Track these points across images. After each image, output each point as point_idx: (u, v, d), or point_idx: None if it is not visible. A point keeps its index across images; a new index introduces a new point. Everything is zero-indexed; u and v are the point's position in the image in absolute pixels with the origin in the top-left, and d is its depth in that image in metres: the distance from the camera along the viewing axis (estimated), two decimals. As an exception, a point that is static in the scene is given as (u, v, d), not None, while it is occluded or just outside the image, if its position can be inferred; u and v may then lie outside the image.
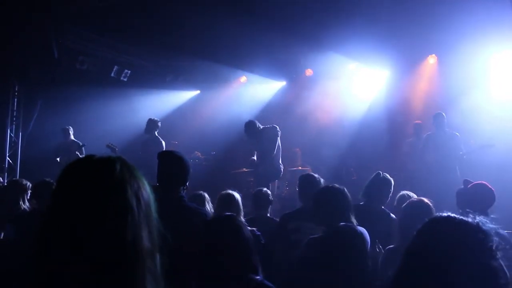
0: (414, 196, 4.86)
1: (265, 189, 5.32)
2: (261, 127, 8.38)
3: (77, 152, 9.13)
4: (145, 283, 1.10)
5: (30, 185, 5.31)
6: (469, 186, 4.10)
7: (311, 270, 3.44)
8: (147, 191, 1.19)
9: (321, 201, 3.66)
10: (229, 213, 2.96)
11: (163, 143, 9.02)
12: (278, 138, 8.24)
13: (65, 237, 1.06)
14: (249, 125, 8.38)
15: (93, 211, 1.08)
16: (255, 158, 8.36)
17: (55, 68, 8.93)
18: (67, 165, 1.18)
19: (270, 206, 5.27)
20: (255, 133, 8.32)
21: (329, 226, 3.45)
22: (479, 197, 3.91)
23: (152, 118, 9.22)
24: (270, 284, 2.65)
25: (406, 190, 5.05)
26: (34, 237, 1.09)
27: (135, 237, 1.09)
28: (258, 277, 2.64)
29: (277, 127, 8.26)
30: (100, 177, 1.12)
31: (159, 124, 9.20)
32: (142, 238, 1.11)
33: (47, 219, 1.11)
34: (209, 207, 4.68)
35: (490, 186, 4.00)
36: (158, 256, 1.16)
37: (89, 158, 1.18)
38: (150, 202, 1.19)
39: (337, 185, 3.73)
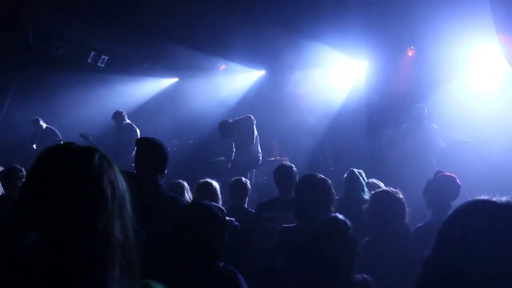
0: (381, 184, 4.94)
1: (243, 178, 5.31)
2: (233, 120, 8.35)
3: (57, 139, 9.09)
4: (114, 273, 1.09)
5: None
6: (438, 175, 4.17)
7: (289, 259, 3.45)
8: (123, 185, 1.18)
9: (298, 191, 3.67)
10: (208, 201, 2.94)
11: (138, 130, 9.00)
12: (255, 127, 8.23)
13: (35, 221, 1.06)
14: (223, 126, 8.28)
15: (66, 196, 1.06)
16: (234, 150, 8.37)
17: (30, 53, 8.73)
18: (45, 150, 1.16)
19: (248, 195, 5.26)
20: (229, 132, 8.27)
21: (306, 218, 3.46)
22: (444, 188, 3.98)
23: (115, 111, 9.28)
24: (233, 269, 2.68)
25: (387, 182, 5.10)
26: (3, 221, 1.08)
27: (106, 226, 1.09)
28: (220, 263, 2.68)
29: (251, 116, 8.24)
30: (78, 164, 1.11)
31: (124, 113, 9.25)
32: (114, 228, 1.10)
33: (18, 203, 1.10)
34: (188, 196, 4.66)
35: (457, 180, 4.06)
36: (133, 250, 1.15)
37: (69, 145, 1.17)
38: (126, 196, 1.18)
39: (317, 175, 3.74)
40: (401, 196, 3.58)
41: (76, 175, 1.09)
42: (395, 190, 3.64)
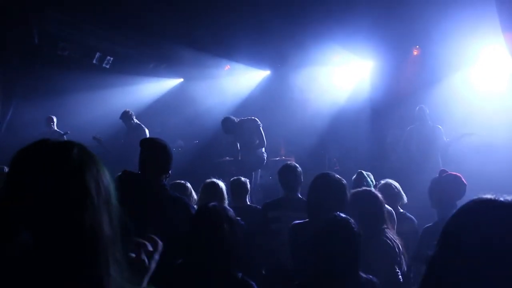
0: (397, 185, 4.94)
1: (243, 178, 5.29)
2: (238, 120, 8.34)
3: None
4: (108, 270, 1.07)
5: None
6: (443, 175, 4.15)
7: (298, 256, 3.43)
8: (107, 177, 1.15)
9: (314, 188, 3.65)
10: (217, 203, 2.91)
11: (147, 130, 9.01)
12: (261, 129, 8.22)
13: (19, 223, 1.03)
14: (226, 122, 8.31)
15: (49, 195, 1.03)
16: (239, 152, 8.37)
17: (35, 54, 8.75)
18: (21, 149, 1.12)
19: (248, 195, 5.25)
20: (233, 129, 8.27)
21: (319, 216, 3.45)
22: (450, 187, 3.96)
23: (123, 111, 9.29)
24: (251, 282, 2.63)
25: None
26: None
27: (94, 223, 1.06)
28: (239, 274, 2.62)
29: (257, 119, 8.21)
30: (56, 160, 1.08)
31: (131, 113, 9.25)
32: (102, 224, 1.08)
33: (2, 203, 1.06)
34: (193, 196, 4.66)
35: (463, 179, 4.04)
36: (120, 244, 1.12)
37: (44, 141, 1.13)
38: (110, 189, 1.15)
39: (334, 174, 3.70)
40: (379, 195, 3.56)
41: (55, 172, 1.06)
42: (374, 190, 3.65)
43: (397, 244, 3.41)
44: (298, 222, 3.64)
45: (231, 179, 5.32)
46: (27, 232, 1.01)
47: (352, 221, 2.68)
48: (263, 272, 4.44)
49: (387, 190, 4.91)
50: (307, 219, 3.61)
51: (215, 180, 4.63)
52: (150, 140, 3.62)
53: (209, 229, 2.61)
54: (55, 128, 9.71)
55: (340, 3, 7.67)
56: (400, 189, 4.95)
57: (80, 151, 1.12)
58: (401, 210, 4.82)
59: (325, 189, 3.54)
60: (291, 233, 3.61)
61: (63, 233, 1.03)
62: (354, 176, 4.90)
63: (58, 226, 1.03)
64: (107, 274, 1.06)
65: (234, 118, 8.39)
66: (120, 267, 1.10)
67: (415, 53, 9.79)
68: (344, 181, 3.63)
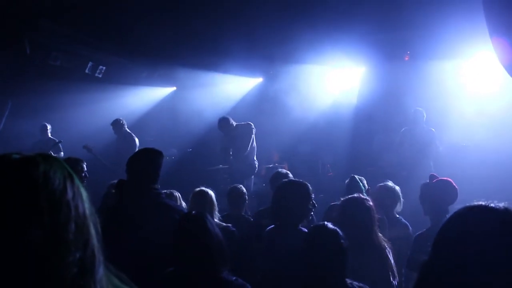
0: (397, 188, 4.92)
1: (240, 186, 5.30)
2: (235, 124, 8.40)
3: (51, 151, 9.02)
4: (96, 277, 1.05)
5: None
6: (434, 181, 4.14)
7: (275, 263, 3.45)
8: (76, 178, 1.10)
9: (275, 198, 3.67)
10: (197, 212, 2.95)
11: (137, 140, 9.03)
12: (253, 135, 8.26)
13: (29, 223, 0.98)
14: (222, 121, 8.41)
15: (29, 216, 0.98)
16: (231, 154, 8.37)
17: (27, 64, 8.73)
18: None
19: (246, 202, 5.26)
20: (228, 129, 8.33)
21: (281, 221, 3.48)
22: (441, 193, 3.95)
23: (115, 119, 9.36)
24: (244, 283, 2.65)
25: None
26: None
27: (84, 230, 1.04)
28: (233, 277, 2.65)
29: (252, 124, 8.29)
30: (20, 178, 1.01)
31: (123, 121, 9.33)
32: (91, 229, 1.07)
33: None
34: (182, 205, 4.66)
35: (454, 184, 4.03)
36: (98, 251, 1.09)
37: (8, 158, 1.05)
38: (83, 195, 1.09)
39: (298, 181, 3.72)
40: (370, 203, 3.50)
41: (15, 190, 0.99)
42: (365, 197, 3.60)
43: (390, 252, 3.39)
44: (268, 228, 3.66)
45: (229, 187, 5.32)
46: (36, 231, 0.98)
47: (340, 232, 2.67)
48: (258, 278, 4.44)
49: (385, 193, 4.87)
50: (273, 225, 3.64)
51: (204, 188, 4.63)
52: (149, 150, 3.66)
53: (190, 238, 2.68)
54: (50, 136, 9.73)
55: (333, 10, 7.70)
56: (400, 192, 4.90)
57: (46, 164, 1.05)
58: (397, 216, 4.80)
59: (284, 194, 3.57)
60: (264, 239, 3.63)
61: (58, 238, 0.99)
62: (347, 181, 4.90)
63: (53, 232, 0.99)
64: (94, 282, 1.04)
65: (231, 120, 8.45)
66: (106, 270, 1.10)
67: (406, 58, 9.84)
68: (307, 186, 3.63)
